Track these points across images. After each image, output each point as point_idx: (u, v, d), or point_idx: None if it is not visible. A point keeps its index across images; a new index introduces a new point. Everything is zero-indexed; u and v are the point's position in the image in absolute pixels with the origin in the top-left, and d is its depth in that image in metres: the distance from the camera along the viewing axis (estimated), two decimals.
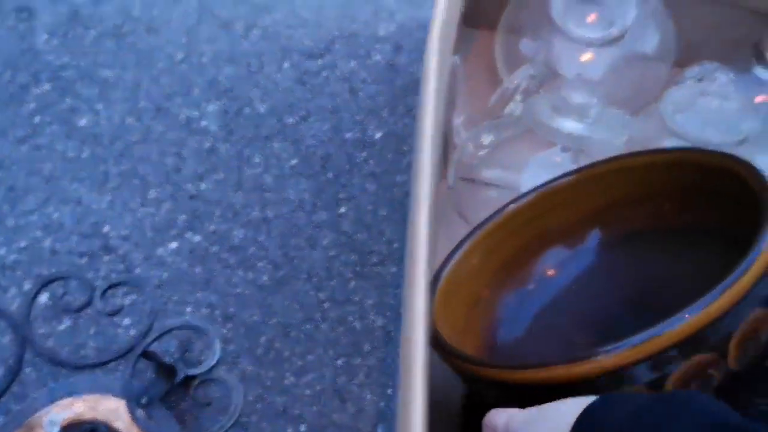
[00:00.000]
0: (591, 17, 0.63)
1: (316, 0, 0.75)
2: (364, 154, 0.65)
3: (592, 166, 0.52)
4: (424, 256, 0.38)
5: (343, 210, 0.61)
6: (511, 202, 0.54)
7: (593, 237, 0.54)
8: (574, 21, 0.63)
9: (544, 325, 0.51)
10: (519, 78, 0.63)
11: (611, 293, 0.50)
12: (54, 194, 0.60)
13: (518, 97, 0.63)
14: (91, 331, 0.53)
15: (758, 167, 0.42)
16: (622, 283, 0.50)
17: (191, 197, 0.61)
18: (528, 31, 0.65)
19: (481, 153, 0.61)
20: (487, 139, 0.61)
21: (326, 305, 0.56)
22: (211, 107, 0.66)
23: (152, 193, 0.60)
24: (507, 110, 0.62)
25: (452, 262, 0.50)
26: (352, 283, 0.58)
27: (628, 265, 0.51)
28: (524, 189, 0.56)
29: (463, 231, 0.57)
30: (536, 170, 0.61)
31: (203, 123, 0.65)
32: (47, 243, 0.57)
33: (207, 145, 0.63)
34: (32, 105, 0.64)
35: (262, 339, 0.54)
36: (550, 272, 0.54)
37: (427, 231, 0.39)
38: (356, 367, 0.54)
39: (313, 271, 0.58)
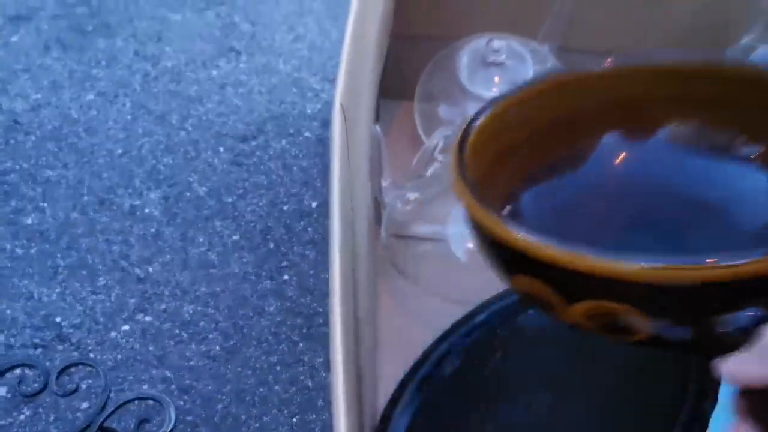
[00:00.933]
0: (496, 79, 0.70)
1: (245, 88, 0.80)
2: (302, 223, 0.69)
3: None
4: (340, 321, 0.39)
5: (286, 277, 0.65)
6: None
7: (662, 133, 0.45)
8: (481, 84, 0.70)
9: (579, 213, 0.42)
10: (437, 138, 0.68)
11: (669, 197, 0.42)
12: (4, 291, 0.62)
13: (439, 157, 0.69)
14: (51, 418, 0.55)
15: None
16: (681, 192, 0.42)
17: (140, 280, 0.63)
18: (442, 97, 0.71)
19: (409, 210, 0.66)
20: (413, 197, 0.65)
21: (278, 368, 0.59)
22: (153, 195, 0.69)
23: (101, 281, 0.63)
24: (429, 169, 0.67)
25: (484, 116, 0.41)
26: (301, 345, 0.60)
27: (689, 174, 0.43)
28: (452, 240, 0.61)
29: (402, 284, 0.61)
30: (461, 222, 0.65)
31: (147, 210, 0.68)
32: (0, 338, 0.59)
33: (152, 230, 0.67)
34: None
35: (219, 406, 0.57)
36: (600, 156, 0.45)
37: (341, 296, 0.40)
38: (311, 422, 0.56)
39: (263, 337, 0.61)
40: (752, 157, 0.41)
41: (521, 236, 0.31)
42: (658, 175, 0.43)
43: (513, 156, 0.42)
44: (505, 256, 0.34)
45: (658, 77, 0.43)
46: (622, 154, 0.44)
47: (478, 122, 0.40)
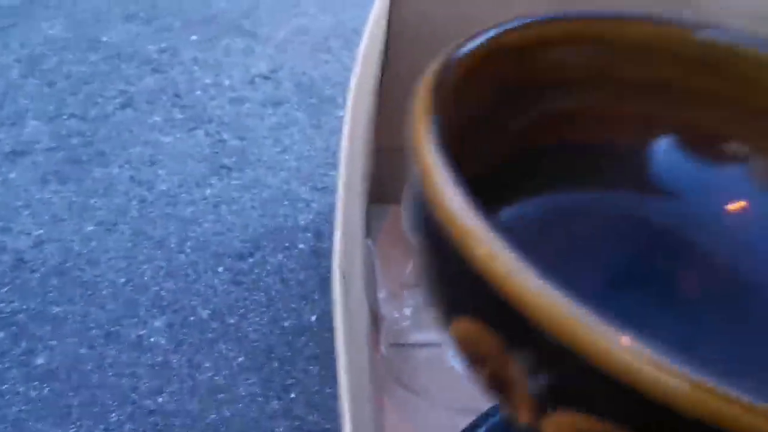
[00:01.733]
0: None
1: (238, 204, 0.83)
2: (303, 338, 0.71)
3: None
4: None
5: (293, 395, 0.66)
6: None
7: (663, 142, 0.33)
8: None
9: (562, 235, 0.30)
10: None
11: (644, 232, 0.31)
12: None
13: None
14: None
15: None
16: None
17: (150, 412, 0.65)
18: None
19: (407, 318, 0.68)
20: (408, 306, 0.68)
21: None
22: (158, 323, 0.72)
23: (113, 417, 0.65)
24: None
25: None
26: None
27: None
28: (450, 353, 0.63)
29: (405, 396, 0.63)
30: None
31: (152, 339, 0.70)
32: None
33: (159, 359, 0.69)
34: None
35: None
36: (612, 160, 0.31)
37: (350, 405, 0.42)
38: None
39: None
40: None
41: (505, 254, 0.18)
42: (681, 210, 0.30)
43: (485, 126, 0.30)
44: (464, 276, 0.21)
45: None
46: (643, 167, 0.31)
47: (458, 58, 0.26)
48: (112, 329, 0.71)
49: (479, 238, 0.20)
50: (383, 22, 0.69)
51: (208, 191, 0.85)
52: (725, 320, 0.29)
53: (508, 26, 0.29)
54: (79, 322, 0.71)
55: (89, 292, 0.74)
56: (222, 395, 0.66)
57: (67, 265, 0.76)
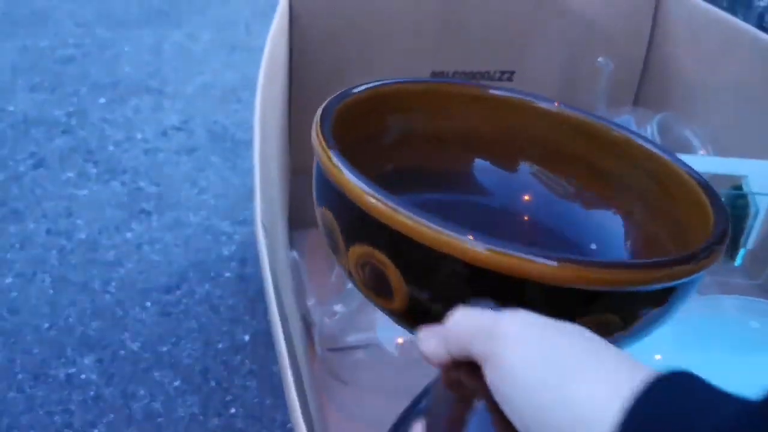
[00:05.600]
0: None
1: (160, 244, 0.84)
2: (238, 357, 0.71)
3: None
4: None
5: (233, 410, 0.66)
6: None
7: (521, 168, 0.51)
8: None
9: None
10: None
11: None
12: None
13: None
14: None
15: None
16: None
17: None
18: None
19: (337, 323, 0.70)
20: (338, 310, 0.70)
21: None
22: (87, 360, 0.70)
23: None
24: (348, 284, 0.72)
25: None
26: None
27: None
28: (383, 342, 0.65)
29: (343, 391, 0.64)
30: (387, 323, 0.70)
31: (83, 376, 0.69)
32: None
33: (91, 393, 0.67)
34: None
35: None
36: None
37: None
38: None
39: None
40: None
41: (336, 160, 0.35)
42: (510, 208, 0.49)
43: (369, 147, 0.45)
44: (325, 184, 0.37)
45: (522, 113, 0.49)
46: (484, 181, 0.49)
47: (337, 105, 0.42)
48: (39, 371, 0.69)
49: (360, 187, 0.34)
50: (283, 40, 0.73)
51: (128, 234, 0.85)
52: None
53: (364, 87, 0.46)
54: (5, 368, 0.69)
55: (12, 340, 0.72)
56: (161, 419, 0.65)
57: None
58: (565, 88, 0.83)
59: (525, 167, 0.51)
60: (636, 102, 0.86)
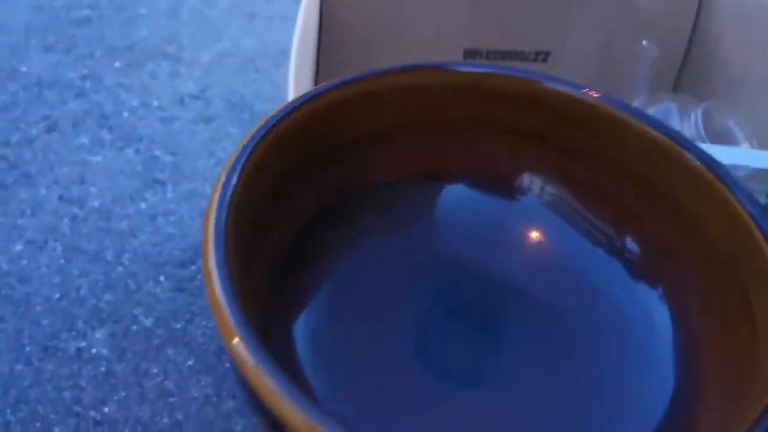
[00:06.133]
0: None
1: (175, 216, 0.81)
2: None
3: None
4: None
5: None
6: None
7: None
8: None
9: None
10: None
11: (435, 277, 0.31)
12: None
13: None
14: None
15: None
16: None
17: (96, 423, 0.61)
18: None
19: None
20: None
21: None
22: (98, 334, 0.68)
23: (56, 431, 0.61)
24: None
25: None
26: None
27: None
28: None
29: None
30: None
31: (94, 350, 0.67)
32: None
33: (102, 369, 0.65)
34: None
35: None
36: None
37: None
38: None
39: None
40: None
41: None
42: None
43: (284, 195, 0.30)
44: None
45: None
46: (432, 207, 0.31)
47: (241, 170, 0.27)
48: (49, 344, 0.67)
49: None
50: (314, 20, 0.70)
51: (143, 205, 0.83)
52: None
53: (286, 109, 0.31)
54: (13, 339, 0.67)
55: (21, 309, 0.70)
56: (173, 399, 0.63)
57: None
58: (602, 71, 0.80)
59: (532, 191, 0.32)
60: (675, 89, 0.82)
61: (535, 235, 0.32)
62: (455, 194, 0.34)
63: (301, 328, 0.31)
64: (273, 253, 0.31)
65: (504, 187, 0.34)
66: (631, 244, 0.32)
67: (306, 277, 0.32)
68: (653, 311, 0.30)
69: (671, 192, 0.31)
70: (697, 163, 0.30)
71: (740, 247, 0.28)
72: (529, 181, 0.34)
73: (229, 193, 0.28)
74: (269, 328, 0.29)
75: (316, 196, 0.33)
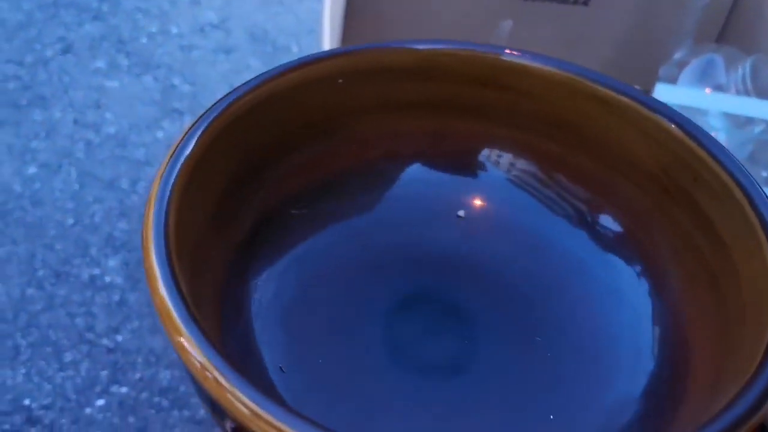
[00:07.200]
0: None
1: None
2: None
3: None
4: None
5: None
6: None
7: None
8: None
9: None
10: None
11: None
12: None
13: None
14: None
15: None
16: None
17: (109, 351, 0.60)
18: None
19: None
20: None
21: None
22: (112, 262, 0.67)
23: (68, 356, 0.59)
24: None
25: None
26: None
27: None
28: None
29: None
30: None
31: (107, 278, 0.65)
32: None
33: (116, 298, 0.64)
34: None
35: None
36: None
37: None
38: None
39: None
40: None
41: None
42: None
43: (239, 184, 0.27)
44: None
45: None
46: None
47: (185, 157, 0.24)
48: (61, 269, 0.65)
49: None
50: None
51: (159, 133, 0.80)
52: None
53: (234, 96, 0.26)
54: (24, 262, 0.66)
55: (34, 233, 0.68)
56: None
57: (9, 206, 0.70)
58: (645, 20, 0.76)
59: (490, 163, 0.31)
60: (719, 41, 0.79)
61: (503, 212, 0.31)
62: (415, 174, 0.31)
63: (259, 326, 0.28)
64: (230, 244, 0.27)
65: (466, 164, 0.31)
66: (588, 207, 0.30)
67: (263, 270, 0.29)
68: (628, 283, 0.28)
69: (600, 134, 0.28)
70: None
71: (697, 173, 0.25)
72: (490, 155, 0.31)
73: (169, 190, 0.24)
74: (222, 327, 0.26)
75: (273, 188, 0.29)
